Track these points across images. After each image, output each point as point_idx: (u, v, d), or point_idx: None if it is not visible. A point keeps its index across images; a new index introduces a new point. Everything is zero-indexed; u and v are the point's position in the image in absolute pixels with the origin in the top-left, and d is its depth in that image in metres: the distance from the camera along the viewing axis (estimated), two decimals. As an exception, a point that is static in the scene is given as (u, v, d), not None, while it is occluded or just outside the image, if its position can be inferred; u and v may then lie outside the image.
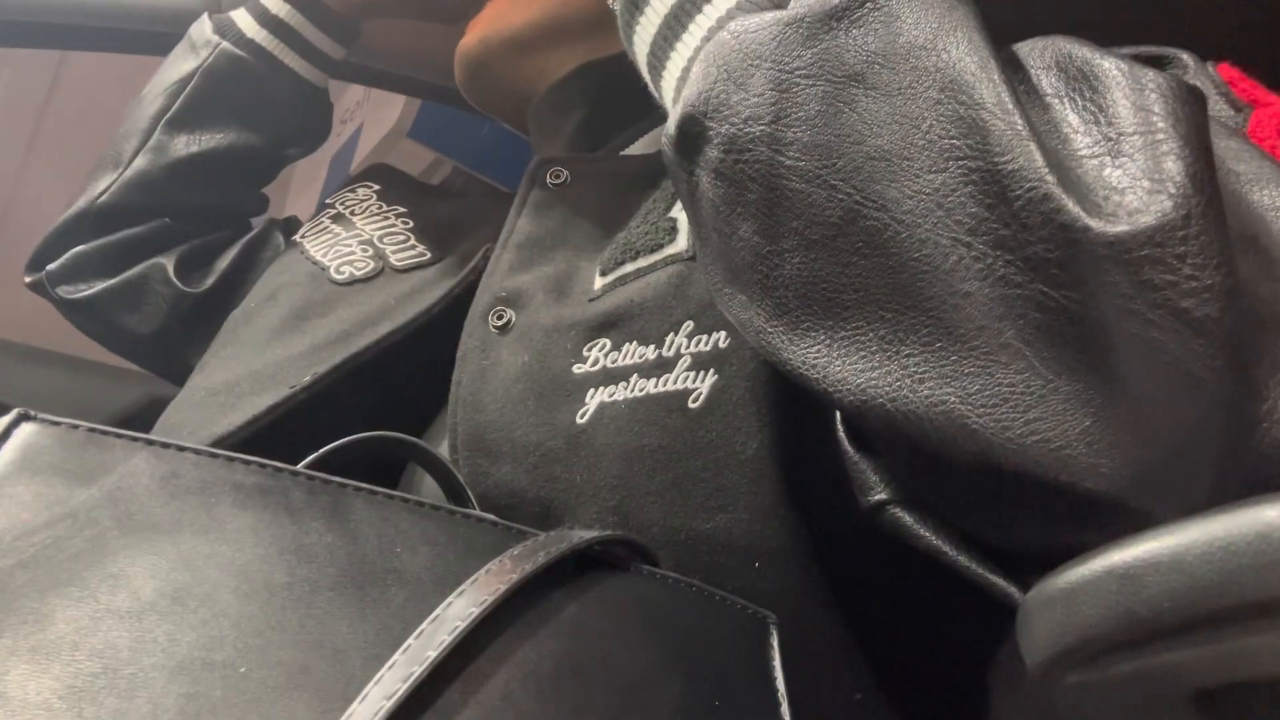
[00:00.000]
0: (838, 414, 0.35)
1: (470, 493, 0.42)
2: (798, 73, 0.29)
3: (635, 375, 0.42)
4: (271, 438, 0.50)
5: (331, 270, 0.61)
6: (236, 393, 0.54)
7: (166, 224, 0.72)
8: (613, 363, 0.43)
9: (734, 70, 0.30)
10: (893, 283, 0.28)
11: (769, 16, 0.31)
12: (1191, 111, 0.26)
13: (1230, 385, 0.25)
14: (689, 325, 0.43)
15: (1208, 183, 0.25)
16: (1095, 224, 0.24)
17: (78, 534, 0.28)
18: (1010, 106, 0.26)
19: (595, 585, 0.33)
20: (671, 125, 0.33)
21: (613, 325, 0.45)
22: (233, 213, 0.76)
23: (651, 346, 0.43)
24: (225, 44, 0.70)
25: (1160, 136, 0.25)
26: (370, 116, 2.39)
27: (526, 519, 0.41)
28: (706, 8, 0.35)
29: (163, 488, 0.30)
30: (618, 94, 0.54)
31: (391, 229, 0.64)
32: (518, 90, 0.62)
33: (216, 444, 0.50)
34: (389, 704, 0.26)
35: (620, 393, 0.42)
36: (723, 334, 0.42)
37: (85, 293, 0.71)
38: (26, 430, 0.30)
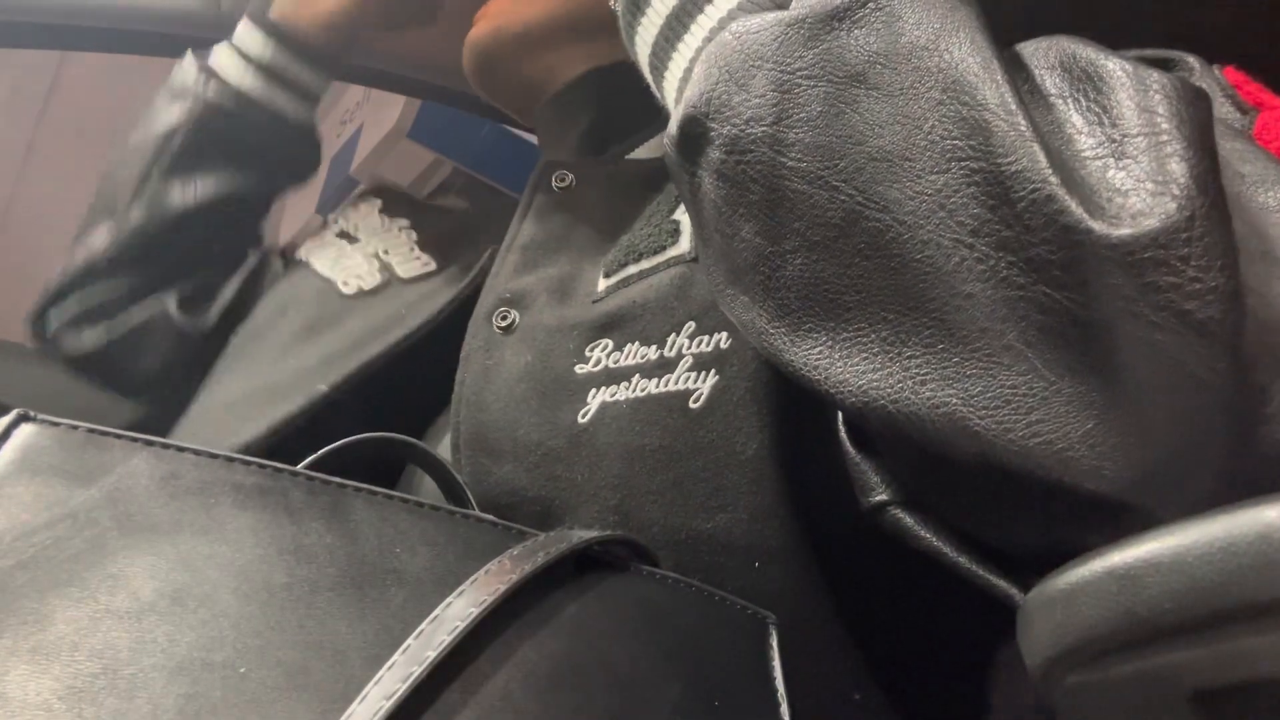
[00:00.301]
0: (839, 415, 0.35)
1: (471, 492, 0.42)
2: (799, 73, 0.29)
3: (637, 375, 0.43)
4: (287, 447, 0.50)
5: (339, 284, 0.62)
6: (254, 403, 0.55)
7: (166, 268, 0.71)
8: (615, 363, 0.44)
9: (736, 71, 0.30)
10: (895, 284, 0.28)
11: (770, 17, 0.31)
12: (1196, 113, 0.26)
13: (1232, 387, 0.24)
14: (691, 326, 0.43)
15: (1211, 185, 0.25)
16: (1099, 226, 0.24)
17: (77, 534, 0.28)
18: (1013, 107, 0.26)
19: (595, 585, 0.33)
20: (673, 126, 0.33)
21: (615, 326, 0.45)
22: (231, 253, 0.75)
23: (653, 347, 0.43)
24: (211, 92, 0.68)
25: (1165, 138, 0.25)
26: (370, 117, 2.39)
27: (527, 518, 0.41)
28: (708, 8, 0.35)
29: (162, 488, 0.30)
30: (624, 100, 0.54)
31: (396, 241, 0.65)
32: (526, 84, 0.62)
33: (241, 453, 0.51)
34: (388, 704, 0.26)
35: (622, 393, 0.43)
36: (724, 335, 0.42)
37: (91, 346, 0.71)
38: (26, 431, 0.30)
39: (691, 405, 0.41)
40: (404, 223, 0.67)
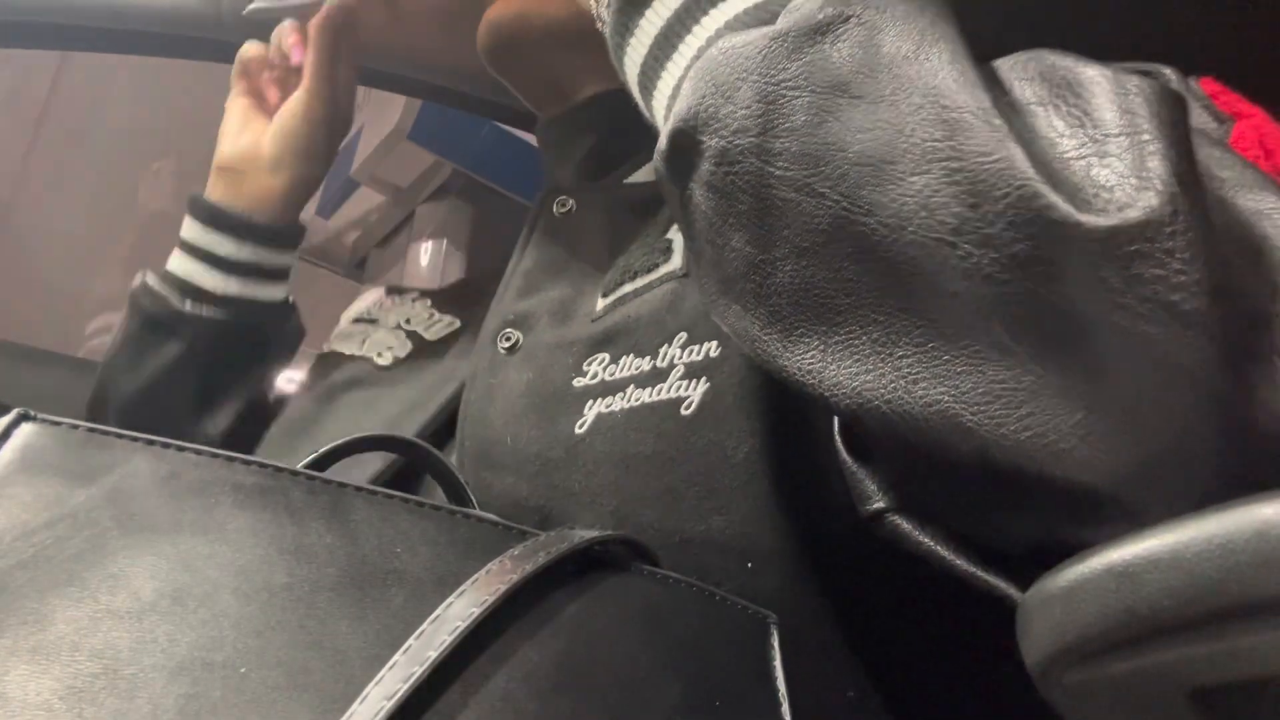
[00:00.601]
0: (834, 423, 0.35)
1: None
2: (784, 84, 0.30)
3: (631, 386, 0.44)
4: None
5: (374, 359, 0.63)
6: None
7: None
8: (610, 375, 0.45)
9: (722, 84, 0.31)
10: (883, 286, 0.28)
11: (756, 33, 0.31)
12: (1175, 115, 0.26)
13: (1221, 379, 0.25)
14: (682, 336, 0.44)
15: (1192, 182, 0.25)
16: (1085, 218, 0.24)
17: (78, 534, 0.28)
18: (991, 109, 0.26)
19: (596, 585, 0.33)
20: (663, 140, 0.33)
21: (611, 340, 0.46)
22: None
23: (646, 358, 0.45)
24: (206, 312, 0.66)
25: (1146, 137, 0.26)
26: (370, 119, 2.39)
27: (527, 525, 0.42)
28: (695, 28, 0.35)
29: (163, 488, 0.30)
30: (628, 124, 0.55)
31: (413, 310, 0.67)
32: (543, 77, 0.62)
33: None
34: (389, 704, 0.26)
35: (617, 403, 0.44)
36: (714, 343, 0.43)
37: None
38: (26, 430, 0.30)
39: (683, 412, 0.42)
40: (414, 294, 0.69)
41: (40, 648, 0.25)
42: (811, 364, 0.30)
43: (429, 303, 0.67)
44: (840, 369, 0.29)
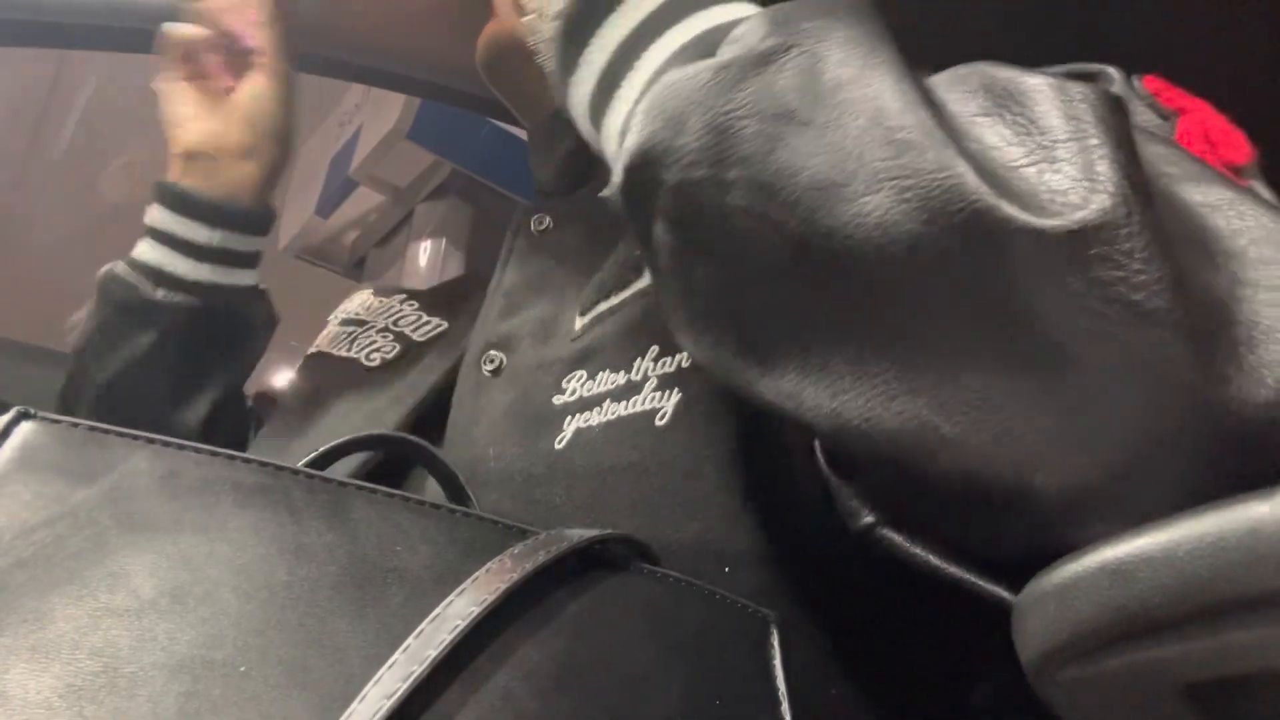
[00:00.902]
0: (816, 441, 0.36)
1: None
2: (732, 115, 0.30)
3: (608, 400, 0.45)
4: None
5: (363, 360, 0.63)
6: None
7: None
8: (588, 391, 0.46)
9: (672, 117, 0.31)
10: (850, 306, 0.28)
11: (701, 64, 0.31)
12: (1118, 119, 0.27)
13: (1190, 373, 0.25)
14: (654, 349, 0.45)
15: (1141, 182, 0.26)
16: (1040, 222, 0.25)
17: (78, 533, 0.28)
18: (936, 127, 0.27)
19: (596, 584, 0.33)
20: (618, 176, 0.34)
21: (588, 358, 0.48)
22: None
23: (621, 372, 0.46)
24: (180, 299, 0.65)
25: (1093, 141, 0.26)
26: (369, 118, 2.39)
27: None
28: (639, 64, 0.35)
29: (163, 486, 0.30)
30: None
31: (401, 312, 0.67)
32: (528, 90, 0.62)
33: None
34: (389, 703, 0.26)
35: (595, 418, 0.45)
36: (685, 355, 0.44)
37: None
38: (26, 429, 0.30)
39: (658, 423, 0.43)
40: (401, 295, 0.69)
41: (40, 646, 0.25)
42: (789, 388, 0.31)
43: (416, 304, 0.67)
44: (817, 391, 0.30)
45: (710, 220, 0.31)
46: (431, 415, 0.55)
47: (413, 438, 0.42)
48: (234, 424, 0.71)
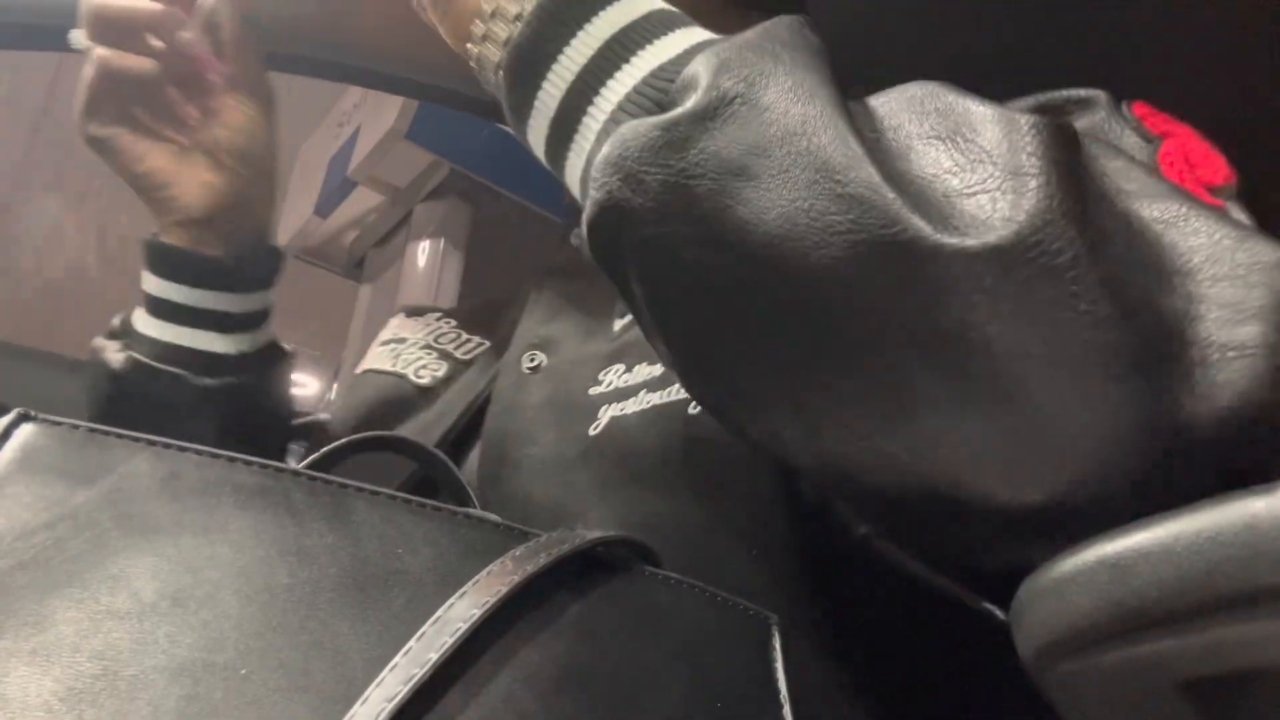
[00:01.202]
0: None
1: (485, 497, 0.43)
2: (683, 174, 0.31)
3: (644, 390, 0.47)
4: None
5: (411, 376, 0.63)
6: None
7: None
8: (624, 382, 0.48)
9: (629, 176, 0.32)
10: (819, 352, 0.29)
11: (650, 122, 0.32)
12: (1063, 150, 0.28)
13: (1135, 384, 0.26)
14: None
15: (1075, 204, 0.26)
16: (968, 243, 0.26)
17: (78, 535, 0.28)
18: (880, 183, 0.28)
19: (598, 586, 0.33)
20: (585, 232, 0.34)
21: (626, 353, 0.50)
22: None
23: (659, 365, 0.47)
24: (226, 379, 0.58)
25: (1031, 169, 0.27)
26: (368, 118, 2.39)
27: (538, 524, 0.43)
28: (591, 109, 0.36)
29: (164, 488, 0.30)
30: None
31: (440, 329, 0.67)
32: None
33: None
34: (390, 706, 0.25)
35: (630, 406, 0.47)
36: None
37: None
38: (27, 430, 0.30)
39: (690, 411, 0.44)
40: (436, 314, 0.69)
41: (40, 649, 0.25)
42: (772, 428, 0.32)
43: (454, 322, 0.68)
44: (794, 433, 0.31)
45: (675, 274, 0.31)
46: (472, 427, 0.55)
47: (412, 440, 0.42)
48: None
